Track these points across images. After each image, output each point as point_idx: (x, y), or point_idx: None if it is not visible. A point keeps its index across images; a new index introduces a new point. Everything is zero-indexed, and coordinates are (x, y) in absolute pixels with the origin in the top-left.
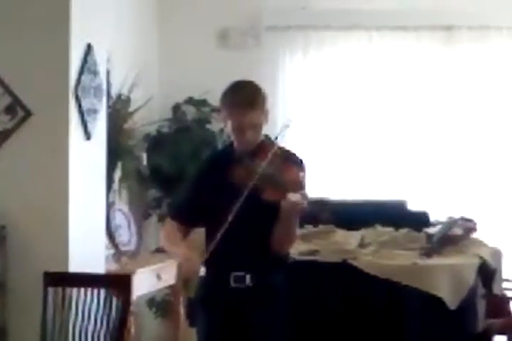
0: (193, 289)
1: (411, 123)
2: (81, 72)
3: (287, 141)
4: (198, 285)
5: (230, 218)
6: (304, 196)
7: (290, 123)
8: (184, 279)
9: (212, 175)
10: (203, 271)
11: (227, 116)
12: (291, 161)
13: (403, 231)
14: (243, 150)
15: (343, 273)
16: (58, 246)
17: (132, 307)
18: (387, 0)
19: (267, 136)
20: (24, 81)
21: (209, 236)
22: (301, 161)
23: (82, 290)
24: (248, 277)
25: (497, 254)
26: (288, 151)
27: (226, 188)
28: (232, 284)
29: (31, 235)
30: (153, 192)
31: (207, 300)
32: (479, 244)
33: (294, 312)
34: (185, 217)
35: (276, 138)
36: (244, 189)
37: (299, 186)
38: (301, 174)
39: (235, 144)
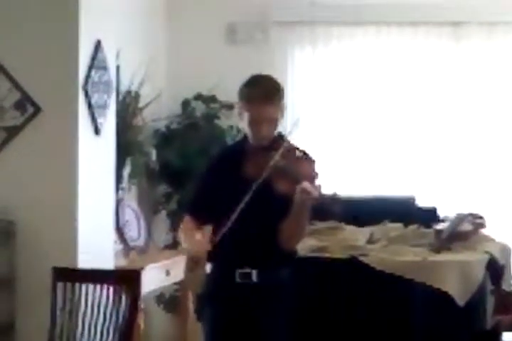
0: (199, 284)
1: (419, 118)
2: (90, 68)
3: (296, 136)
4: (204, 281)
5: (239, 209)
6: (317, 187)
7: (299, 122)
8: (193, 260)
9: (225, 170)
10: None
11: (244, 109)
12: (303, 156)
13: (412, 227)
14: (257, 144)
15: (352, 270)
16: (67, 242)
17: (141, 303)
18: None
19: (280, 134)
20: (33, 77)
21: (218, 230)
22: (312, 158)
23: (91, 285)
24: (254, 273)
25: (506, 250)
26: (299, 148)
27: (240, 183)
28: (239, 280)
29: (40, 231)
30: (163, 188)
31: (213, 296)
32: (488, 240)
33: (301, 308)
34: (202, 214)
35: (287, 134)
36: (256, 182)
37: (311, 178)
38: (313, 168)
39: (250, 138)
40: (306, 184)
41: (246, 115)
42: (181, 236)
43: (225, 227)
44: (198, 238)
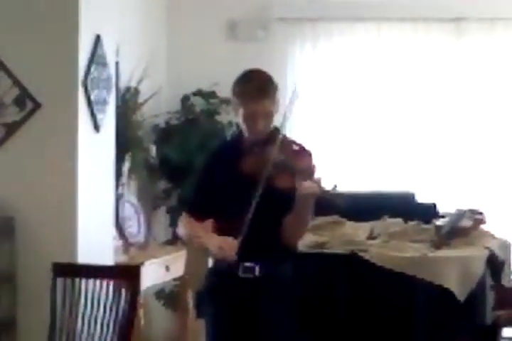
0: (199, 281)
1: (419, 114)
2: (90, 64)
3: (296, 132)
4: (205, 276)
5: (252, 207)
6: (317, 180)
7: (297, 97)
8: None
9: (222, 167)
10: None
11: (238, 104)
12: (301, 150)
13: (412, 223)
14: (254, 139)
15: (352, 265)
16: (67, 238)
17: (140, 299)
18: None
19: (276, 128)
20: (33, 73)
21: (223, 228)
22: (309, 151)
23: (91, 281)
24: (257, 268)
25: (506, 246)
26: (295, 142)
27: (239, 178)
28: (241, 275)
29: (40, 226)
30: (162, 184)
31: (215, 291)
32: (488, 235)
33: (302, 303)
34: (202, 213)
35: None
36: (257, 178)
37: (310, 171)
38: (311, 160)
39: (246, 133)
40: (306, 182)
41: (241, 111)
42: (188, 233)
43: (244, 228)
44: (222, 239)
